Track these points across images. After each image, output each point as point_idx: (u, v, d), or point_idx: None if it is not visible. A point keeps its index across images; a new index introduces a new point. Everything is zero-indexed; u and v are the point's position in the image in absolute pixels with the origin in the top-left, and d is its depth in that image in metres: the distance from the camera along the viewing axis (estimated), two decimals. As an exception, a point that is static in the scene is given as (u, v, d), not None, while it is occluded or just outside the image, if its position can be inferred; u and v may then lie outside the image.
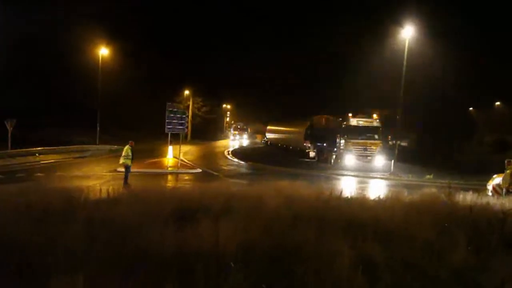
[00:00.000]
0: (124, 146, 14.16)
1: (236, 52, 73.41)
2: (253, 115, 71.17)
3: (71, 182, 12.78)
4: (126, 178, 13.03)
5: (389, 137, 25.61)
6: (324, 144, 26.15)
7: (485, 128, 37.73)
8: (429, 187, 11.24)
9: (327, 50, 52.84)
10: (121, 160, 13.58)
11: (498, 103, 43.21)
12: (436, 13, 30.52)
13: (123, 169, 17.49)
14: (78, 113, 34.08)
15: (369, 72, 33.93)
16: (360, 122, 22.89)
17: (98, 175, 15.81)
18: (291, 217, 6.89)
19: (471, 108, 41.33)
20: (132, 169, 18.03)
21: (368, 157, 22.33)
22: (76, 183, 12.59)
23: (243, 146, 46.42)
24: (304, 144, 28.98)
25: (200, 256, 4.94)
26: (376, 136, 22.80)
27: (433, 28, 27.99)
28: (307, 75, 59.83)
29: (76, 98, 34.99)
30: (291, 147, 33.60)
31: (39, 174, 15.57)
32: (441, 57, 29.47)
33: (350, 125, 22.76)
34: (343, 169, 21.68)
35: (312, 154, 27.25)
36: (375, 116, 23.39)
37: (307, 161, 26.04)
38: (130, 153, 13.40)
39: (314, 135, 27.71)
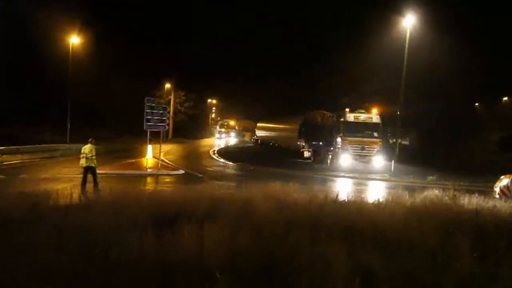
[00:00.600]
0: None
1: (223, 43, 73.42)
2: (241, 111, 71.26)
3: (38, 185, 12.57)
4: (96, 182, 12.64)
5: (389, 134, 25.69)
6: (320, 143, 25.86)
7: (492, 125, 38.35)
8: (431, 189, 11.37)
9: (323, 42, 53.14)
10: (87, 162, 12.62)
11: (505, 98, 44.00)
12: (439, 5, 30.96)
13: (97, 171, 17.33)
14: (50, 110, 33.57)
15: (368, 66, 34.21)
16: (358, 118, 22.61)
17: (68, 177, 15.57)
18: (283, 222, 6.89)
19: (476, 104, 42.00)
20: (108, 171, 17.92)
21: (366, 157, 22.20)
22: (43, 186, 12.39)
23: (230, 145, 46.36)
24: (298, 143, 28.90)
25: (183, 266, 4.91)
26: (376, 134, 22.57)
27: (436, 20, 28.37)
28: (301, 68, 60.09)
29: (47, 94, 34.46)
30: (283, 146, 33.63)
31: (1, 176, 15.28)
32: (445, 50, 29.86)
33: (347, 121, 22.45)
34: (339, 170, 21.64)
35: (307, 154, 27.04)
36: (374, 111, 23.15)
37: (302, 162, 25.92)
38: (95, 153, 12.98)
39: (309, 133, 27.46)
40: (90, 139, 13.22)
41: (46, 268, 4.69)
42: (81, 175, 12.87)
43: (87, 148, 12.90)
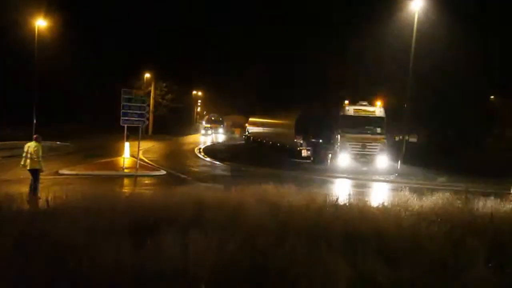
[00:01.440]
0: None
1: (210, 28, 73.05)
2: (230, 104, 71.23)
3: (-1, 188, 12.40)
4: (36, 188, 12.06)
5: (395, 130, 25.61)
6: (320, 141, 25.48)
7: (508, 120, 38.78)
8: (442, 191, 11.46)
9: (322, 27, 53.21)
10: (32, 164, 11.92)
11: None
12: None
13: (67, 172, 17.25)
14: (12, 102, 33.17)
15: (373, 54, 34.26)
16: (359, 112, 22.12)
17: (34, 179, 15.40)
18: (278, 229, 6.91)
19: (492, 97, 42.43)
20: (79, 171, 17.79)
21: (368, 156, 21.87)
22: (5, 189, 12.21)
23: (218, 143, 46.35)
24: (295, 140, 28.62)
25: (165, 279, 4.88)
26: (379, 130, 22.20)
27: (447, 5, 28.45)
28: (297, 56, 60.08)
29: (9, 84, 34.03)
30: (279, 144, 33.52)
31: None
32: (457, 37, 30.01)
33: (346, 115, 22.02)
34: (338, 171, 21.46)
35: (305, 153, 26.51)
36: (378, 103, 22.66)
37: (299, 162, 25.66)
38: (41, 153, 12.31)
39: (307, 129, 27.15)
40: (35, 136, 12.46)
41: (6, 281, 4.63)
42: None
43: (31, 147, 12.06)
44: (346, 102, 22.47)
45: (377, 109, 22.43)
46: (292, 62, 56.26)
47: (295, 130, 28.67)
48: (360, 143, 21.87)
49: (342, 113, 22.28)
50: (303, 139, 27.23)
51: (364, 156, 21.93)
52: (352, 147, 21.85)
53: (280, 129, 33.59)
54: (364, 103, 22.65)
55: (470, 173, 19.80)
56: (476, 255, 5.94)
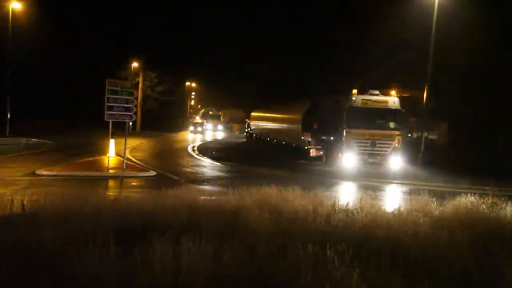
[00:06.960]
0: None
1: (204, 12, 72.93)
2: (227, 97, 71.29)
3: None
4: None
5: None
6: (332, 138, 24.14)
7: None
8: (465, 195, 11.47)
9: (330, 11, 53.08)
10: None
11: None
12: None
13: (46, 172, 17.31)
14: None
15: (389, 40, 34.18)
16: (368, 103, 21.02)
17: (8, 180, 15.45)
18: (281, 237, 6.92)
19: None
20: (59, 172, 17.84)
21: (379, 157, 20.98)
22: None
23: (214, 140, 46.40)
24: (303, 137, 28.30)
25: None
26: (392, 125, 21.21)
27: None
28: (303, 44, 60.00)
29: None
30: (284, 142, 33.41)
31: None
32: (486, 17, 29.75)
33: (353, 107, 20.96)
34: (344, 173, 20.45)
35: (314, 152, 25.95)
36: (393, 93, 21.70)
37: (307, 163, 25.23)
38: None
39: (317, 125, 26.64)
40: None
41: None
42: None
43: None
44: (354, 91, 21.49)
45: (391, 99, 21.35)
46: (300, 50, 56.20)
47: (302, 126, 28.38)
48: (369, 141, 20.99)
49: (348, 105, 21.35)
50: (312, 137, 26.74)
51: (373, 156, 21.10)
52: (359, 146, 21.02)
53: (286, 125, 33.40)
54: (376, 93, 21.70)
55: (498, 174, 19.74)
56: (504, 267, 5.94)
